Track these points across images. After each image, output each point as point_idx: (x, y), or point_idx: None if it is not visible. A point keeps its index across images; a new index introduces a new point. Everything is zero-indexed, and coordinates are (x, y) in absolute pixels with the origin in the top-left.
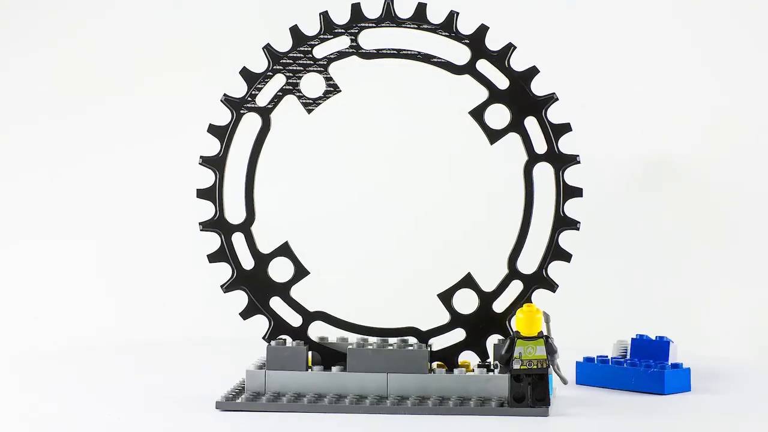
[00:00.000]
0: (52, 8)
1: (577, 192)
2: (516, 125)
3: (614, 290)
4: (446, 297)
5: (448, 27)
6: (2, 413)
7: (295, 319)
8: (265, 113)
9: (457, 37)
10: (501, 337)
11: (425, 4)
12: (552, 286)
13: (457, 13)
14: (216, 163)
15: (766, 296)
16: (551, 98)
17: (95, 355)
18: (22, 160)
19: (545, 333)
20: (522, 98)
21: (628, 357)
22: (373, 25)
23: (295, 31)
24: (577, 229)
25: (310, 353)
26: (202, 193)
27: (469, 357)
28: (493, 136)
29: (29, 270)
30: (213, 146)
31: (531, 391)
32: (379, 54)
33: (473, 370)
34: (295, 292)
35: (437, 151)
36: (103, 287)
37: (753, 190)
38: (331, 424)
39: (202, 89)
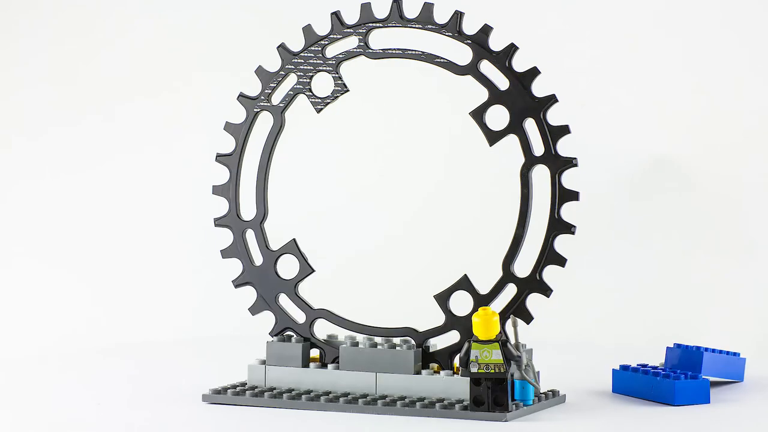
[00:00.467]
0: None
1: (573, 195)
2: (515, 127)
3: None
4: (442, 298)
5: (452, 27)
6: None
7: (301, 316)
8: (277, 112)
9: (461, 37)
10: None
11: (432, 5)
12: (546, 291)
13: (462, 14)
14: (231, 161)
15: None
16: (551, 100)
17: (100, 356)
18: (23, 159)
19: (514, 339)
20: (521, 99)
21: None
22: (381, 25)
23: (307, 30)
24: (573, 233)
25: (316, 350)
26: (217, 190)
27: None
28: (492, 137)
29: (26, 275)
30: (222, 144)
31: (490, 395)
32: (385, 54)
33: (439, 372)
34: (304, 289)
35: (440, 152)
36: (107, 287)
37: (754, 189)
38: (299, 419)
39: (221, 88)
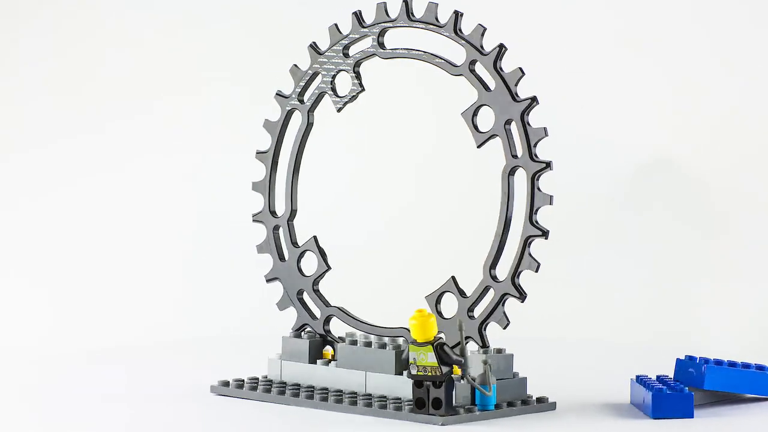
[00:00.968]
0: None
1: (546, 199)
2: (499, 129)
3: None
4: (432, 299)
5: (450, 27)
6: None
7: (318, 313)
8: (305, 111)
9: (457, 37)
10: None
11: (436, 4)
12: (520, 295)
13: (461, 14)
14: (266, 158)
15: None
16: (532, 102)
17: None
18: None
19: (460, 341)
20: (505, 101)
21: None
22: (391, 24)
23: (332, 30)
24: (546, 237)
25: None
26: (256, 186)
27: None
28: (480, 139)
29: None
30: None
31: (429, 397)
32: (394, 54)
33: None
34: (324, 286)
35: (440, 152)
36: (106, 288)
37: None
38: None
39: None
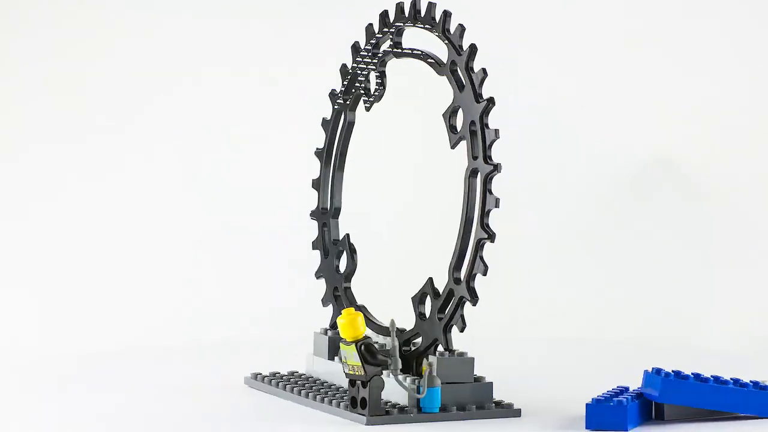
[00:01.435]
0: None
1: (492, 202)
2: (465, 130)
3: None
4: (415, 301)
5: (439, 27)
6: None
7: None
8: (345, 109)
9: (443, 36)
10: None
11: (434, 4)
12: (472, 299)
13: (450, 13)
14: (320, 155)
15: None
16: (488, 103)
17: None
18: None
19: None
20: (470, 102)
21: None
22: (402, 24)
23: (368, 29)
24: (492, 241)
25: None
26: (314, 184)
27: None
28: (453, 140)
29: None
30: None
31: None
32: (403, 53)
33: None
34: (359, 284)
35: (444, 152)
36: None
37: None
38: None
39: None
